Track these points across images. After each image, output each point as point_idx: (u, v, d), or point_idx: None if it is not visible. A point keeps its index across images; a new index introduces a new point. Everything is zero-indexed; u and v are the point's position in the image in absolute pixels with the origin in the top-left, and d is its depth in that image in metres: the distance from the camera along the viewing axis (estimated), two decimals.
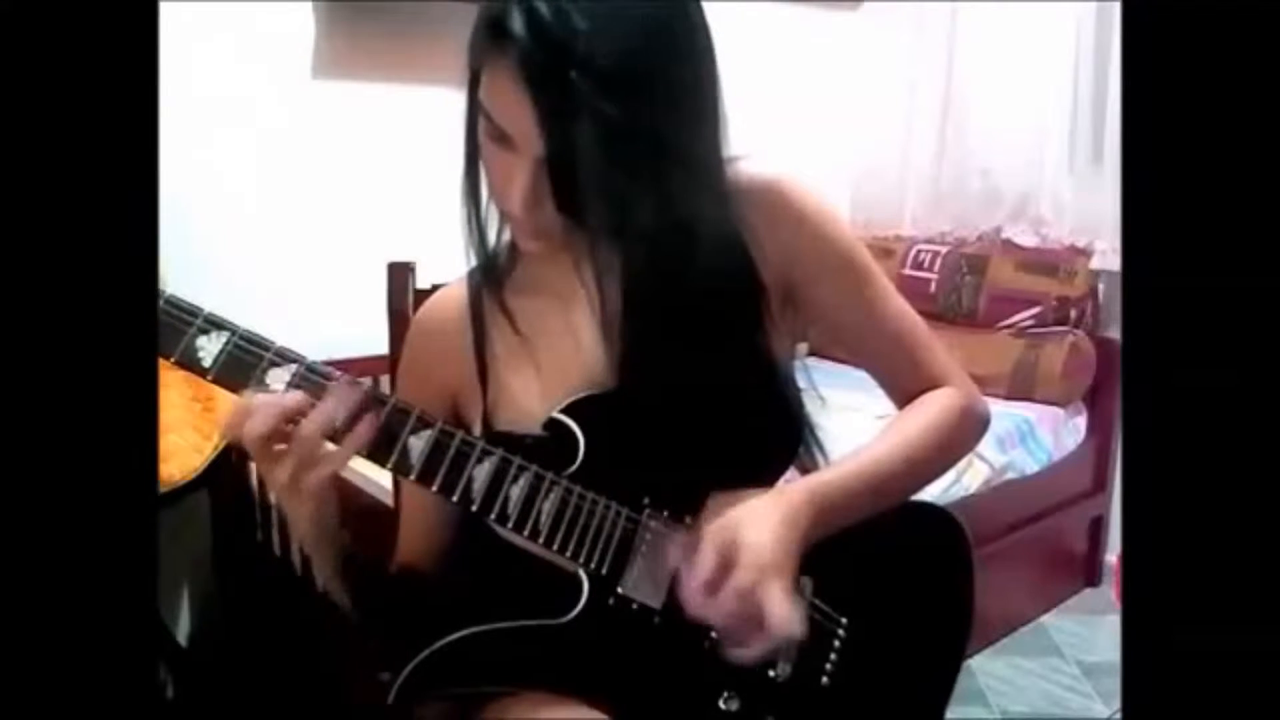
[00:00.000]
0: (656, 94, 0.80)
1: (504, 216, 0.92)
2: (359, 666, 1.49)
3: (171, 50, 1.51)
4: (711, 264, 0.88)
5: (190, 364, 0.78)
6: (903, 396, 1.01)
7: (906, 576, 1.03)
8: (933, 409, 0.98)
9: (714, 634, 0.89)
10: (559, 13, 0.76)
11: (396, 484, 1.34)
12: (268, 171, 2.06)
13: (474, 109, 0.85)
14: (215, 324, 0.79)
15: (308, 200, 2.12)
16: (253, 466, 1.84)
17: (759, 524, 0.84)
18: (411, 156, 2.19)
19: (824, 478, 0.92)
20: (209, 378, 0.79)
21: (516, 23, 0.76)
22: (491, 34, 0.79)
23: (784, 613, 0.81)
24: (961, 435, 1.00)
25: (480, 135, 0.85)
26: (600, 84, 0.76)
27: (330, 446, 0.81)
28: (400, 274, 1.65)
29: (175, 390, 1.73)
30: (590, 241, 0.88)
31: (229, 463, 1.83)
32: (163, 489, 1.63)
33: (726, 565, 0.82)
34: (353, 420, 0.81)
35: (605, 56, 0.76)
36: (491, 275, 0.96)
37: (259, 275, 1.99)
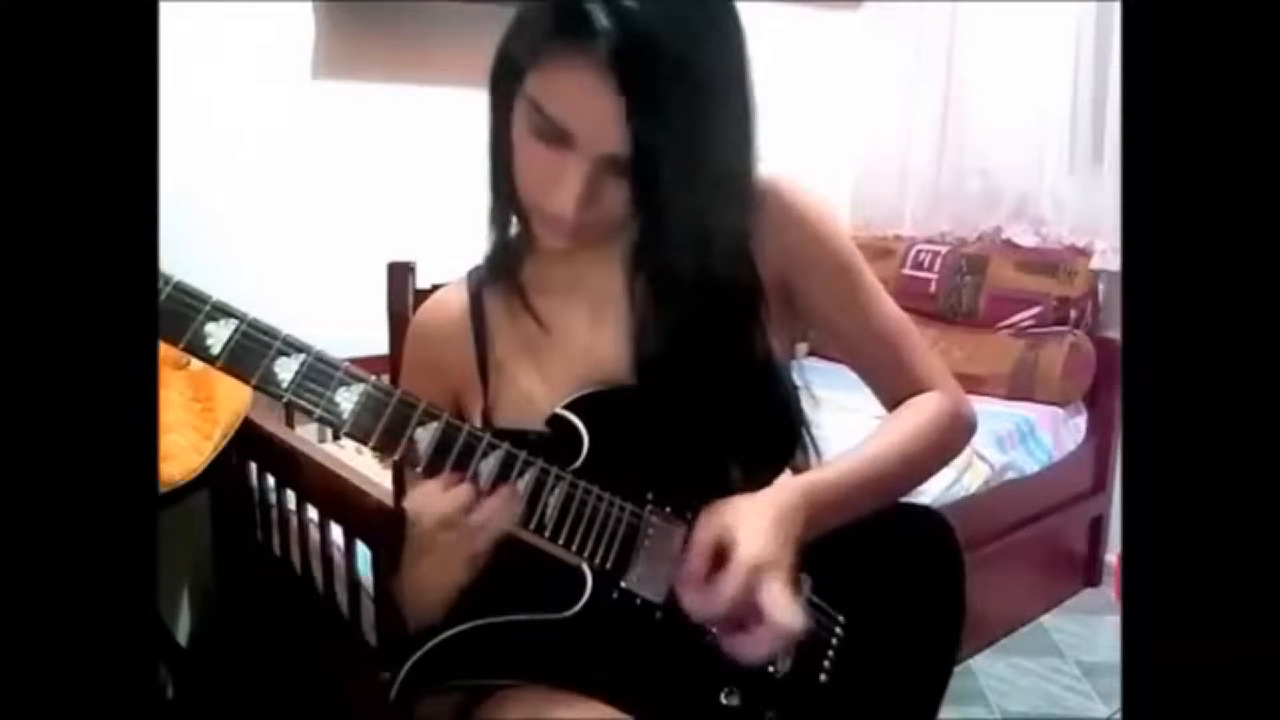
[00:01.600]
0: (724, 103, 0.82)
1: (518, 212, 0.92)
2: (359, 666, 1.50)
3: (172, 50, 1.51)
4: (720, 263, 0.89)
5: (198, 350, 0.78)
6: (891, 399, 1.02)
7: (901, 577, 1.04)
8: (924, 411, 0.99)
9: (714, 630, 0.90)
10: (644, 10, 0.76)
11: (397, 483, 1.34)
12: (268, 171, 2.06)
13: (506, 100, 0.84)
14: (223, 311, 0.79)
15: (308, 200, 2.12)
16: (252, 466, 1.84)
17: (752, 522, 0.85)
18: (412, 157, 2.19)
19: (818, 476, 0.93)
20: (217, 365, 0.79)
21: (602, 19, 0.76)
22: (564, 29, 0.78)
23: (784, 607, 0.81)
24: (951, 438, 1.01)
25: (519, 132, 0.84)
26: (685, 88, 0.77)
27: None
28: (400, 274, 1.65)
29: (175, 390, 1.73)
30: (637, 240, 0.89)
31: (229, 463, 1.83)
32: (163, 489, 1.63)
33: (720, 563, 0.82)
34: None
35: (687, 61, 0.77)
36: (501, 271, 0.97)
37: (259, 275, 1.99)
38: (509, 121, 0.85)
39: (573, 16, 0.77)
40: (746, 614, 0.83)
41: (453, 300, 1.00)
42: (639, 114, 0.78)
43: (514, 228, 0.96)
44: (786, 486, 0.91)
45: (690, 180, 0.82)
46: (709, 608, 0.83)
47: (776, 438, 0.98)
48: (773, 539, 0.84)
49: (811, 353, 2.10)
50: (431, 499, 0.82)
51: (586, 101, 0.78)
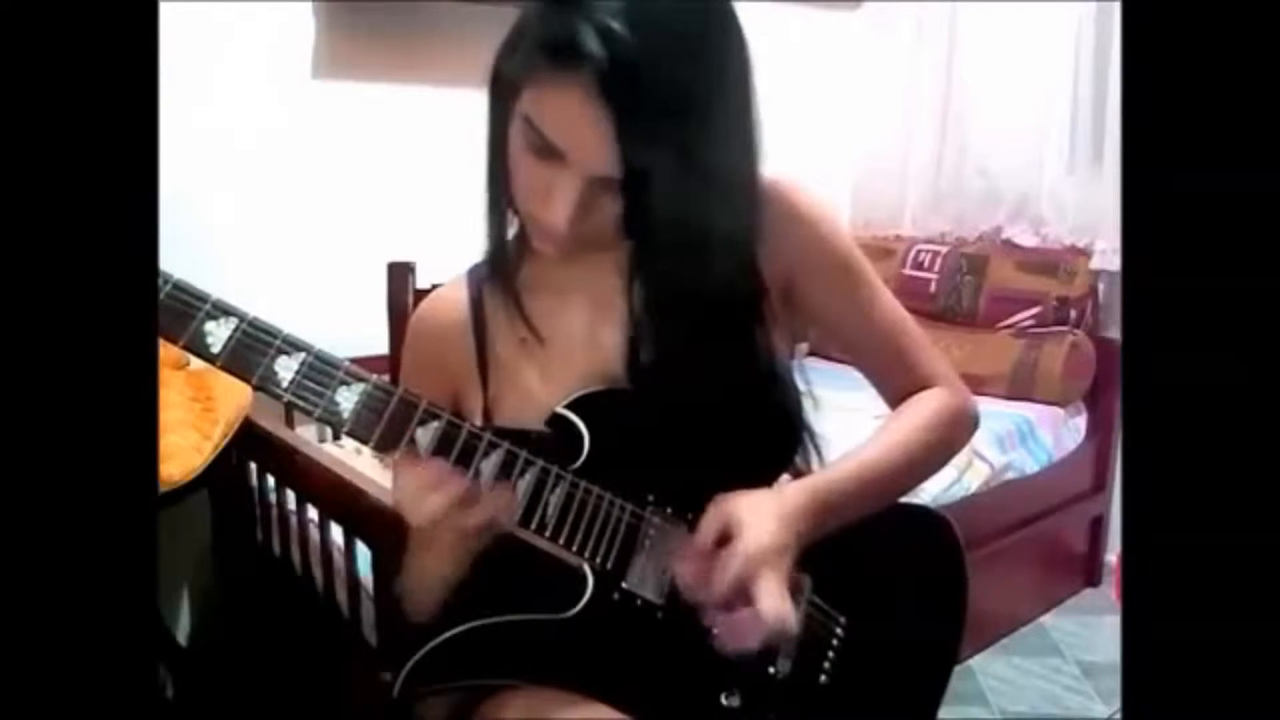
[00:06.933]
0: (722, 118, 0.82)
1: (516, 216, 0.92)
2: (359, 666, 1.50)
3: (172, 50, 1.51)
4: (722, 264, 0.89)
5: (198, 349, 0.78)
6: (895, 396, 1.02)
7: (902, 578, 1.04)
8: (926, 409, 0.99)
9: (714, 629, 0.90)
10: (635, 36, 0.75)
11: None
12: (268, 171, 2.06)
13: (503, 113, 0.85)
14: (223, 310, 0.79)
15: (307, 200, 2.11)
16: (253, 466, 1.84)
17: (757, 518, 0.85)
18: (411, 156, 2.19)
19: (822, 478, 0.93)
20: (218, 364, 0.78)
21: (593, 43, 0.75)
22: (556, 50, 0.77)
23: (775, 604, 0.81)
24: (954, 434, 1.01)
25: (516, 145, 0.84)
26: (676, 108, 0.77)
27: None
28: (400, 274, 1.65)
29: (175, 390, 1.73)
30: (632, 249, 0.89)
31: (229, 463, 1.83)
32: (163, 489, 1.62)
33: (722, 550, 0.83)
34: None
35: (680, 82, 0.77)
36: (499, 270, 0.97)
37: (258, 275, 1.99)
38: (506, 134, 0.85)
39: (562, 41, 0.77)
40: (740, 604, 0.83)
41: (454, 298, 1.00)
42: (628, 138, 0.78)
43: (513, 230, 0.96)
44: (794, 487, 0.91)
45: (685, 193, 0.82)
46: (704, 591, 0.83)
47: (778, 440, 0.97)
48: (776, 535, 0.84)
49: (812, 353, 2.11)
50: (421, 496, 0.82)
51: (576, 124, 0.78)
